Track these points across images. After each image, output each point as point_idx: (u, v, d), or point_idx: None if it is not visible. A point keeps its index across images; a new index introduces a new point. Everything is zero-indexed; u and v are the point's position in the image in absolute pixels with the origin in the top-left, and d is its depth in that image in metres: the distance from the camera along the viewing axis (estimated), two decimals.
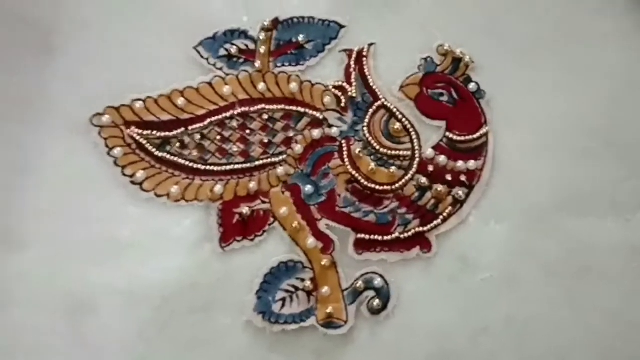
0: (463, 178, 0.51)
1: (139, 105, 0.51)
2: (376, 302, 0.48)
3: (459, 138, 0.52)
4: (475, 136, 0.52)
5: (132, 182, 0.50)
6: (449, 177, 0.51)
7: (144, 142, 0.51)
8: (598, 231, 0.50)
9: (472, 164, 0.51)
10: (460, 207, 0.51)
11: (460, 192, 0.51)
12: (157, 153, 0.51)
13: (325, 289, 0.48)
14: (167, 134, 0.51)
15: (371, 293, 0.49)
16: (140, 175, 0.50)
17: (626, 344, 0.49)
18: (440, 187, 0.50)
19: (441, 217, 0.50)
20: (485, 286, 0.49)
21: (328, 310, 0.48)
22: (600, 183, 0.51)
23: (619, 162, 0.52)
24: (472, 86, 0.53)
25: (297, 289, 0.49)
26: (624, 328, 0.49)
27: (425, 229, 0.50)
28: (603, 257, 0.50)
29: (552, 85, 0.53)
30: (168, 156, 0.51)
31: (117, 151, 0.50)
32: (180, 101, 0.51)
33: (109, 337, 0.48)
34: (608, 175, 0.52)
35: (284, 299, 0.49)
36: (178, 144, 0.51)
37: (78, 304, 0.48)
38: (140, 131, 0.51)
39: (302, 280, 0.49)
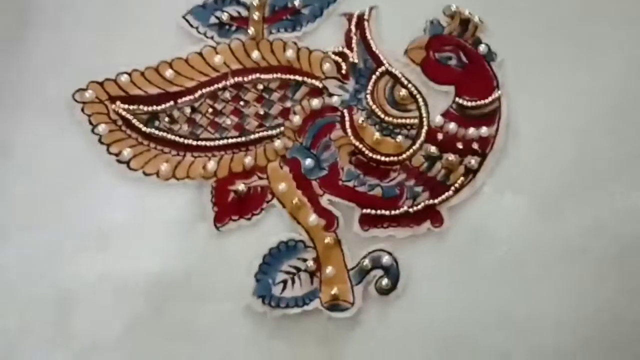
0: (475, 146, 0.48)
1: (124, 78, 0.48)
2: (385, 281, 0.45)
3: (469, 103, 0.48)
4: (486, 101, 0.49)
5: (119, 161, 0.47)
6: (460, 146, 0.48)
7: (131, 117, 0.48)
8: (624, 206, 0.47)
9: (484, 130, 0.48)
10: (473, 177, 0.47)
11: (472, 160, 0.47)
12: (144, 129, 0.48)
13: (329, 269, 0.45)
14: (155, 108, 0.48)
15: (379, 272, 0.46)
16: (126, 153, 0.47)
17: None
18: (451, 157, 0.47)
19: (453, 188, 0.47)
20: (502, 262, 0.46)
21: (333, 292, 0.45)
22: (624, 156, 0.48)
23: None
24: (482, 48, 0.50)
25: (298, 270, 0.46)
26: None
27: (436, 201, 0.47)
28: (632, 234, 0.46)
29: (568, 54, 0.50)
30: (157, 132, 0.48)
31: (102, 128, 0.48)
32: (169, 73, 0.48)
33: (100, 327, 0.45)
34: (632, 147, 0.48)
35: (285, 281, 0.46)
36: (167, 119, 0.48)
37: (66, 293, 0.45)
38: (126, 106, 0.48)
39: (304, 260, 0.46)
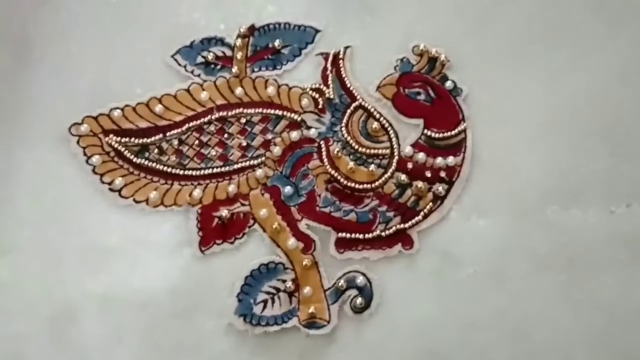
0: (443, 174, 0.51)
1: (117, 113, 0.52)
2: (359, 300, 0.48)
3: (437, 135, 0.52)
4: (453, 132, 0.52)
5: (111, 189, 0.50)
6: (428, 174, 0.51)
7: (122, 149, 0.51)
8: (582, 223, 0.50)
9: (451, 160, 0.51)
10: (440, 203, 0.50)
11: (440, 188, 0.50)
12: (135, 160, 0.51)
13: (307, 289, 0.48)
14: (145, 140, 0.51)
15: (354, 292, 0.48)
16: (118, 182, 0.50)
17: (617, 335, 0.48)
18: (420, 184, 0.50)
19: (422, 213, 0.50)
20: (471, 281, 0.49)
21: (310, 310, 0.47)
22: (582, 175, 0.51)
23: (601, 154, 0.52)
24: (448, 84, 0.53)
25: (278, 290, 0.48)
26: (615, 319, 0.48)
27: (407, 225, 0.50)
28: (589, 249, 0.49)
29: (532, 79, 0.54)
30: (146, 162, 0.51)
31: (96, 159, 0.51)
32: (158, 108, 0.52)
33: (91, 343, 0.48)
34: (589, 167, 0.51)
35: (265, 301, 0.48)
36: (156, 150, 0.51)
37: (59, 311, 0.48)
38: (118, 139, 0.51)
39: (284, 281, 0.49)
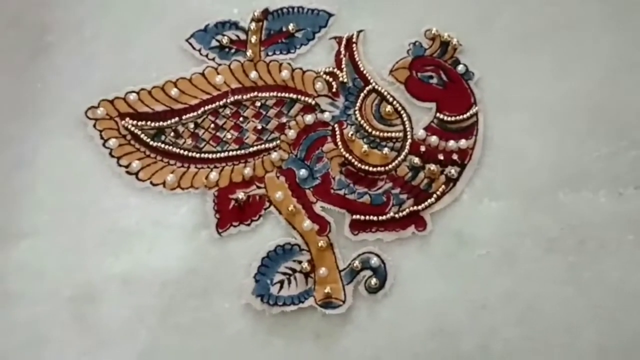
0: (455, 157, 0.52)
1: (132, 97, 0.52)
2: (373, 281, 0.49)
3: (449, 118, 0.52)
4: (465, 116, 0.52)
5: (128, 172, 0.51)
6: (441, 157, 0.52)
7: (139, 132, 0.51)
8: (592, 205, 0.51)
9: (463, 143, 0.52)
10: (453, 186, 0.51)
11: (452, 170, 0.51)
12: (151, 143, 0.51)
13: (322, 270, 0.49)
14: (161, 123, 0.52)
15: (368, 272, 0.49)
16: (135, 165, 0.51)
17: (626, 315, 0.49)
18: (432, 167, 0.51)
19: (435, 195, 0.51)
20: (482, 262, 0.50)
21: (326, 290, 0.48)
22: (591, 158, 0.52)
23: (610, 138, 0.52)
24: (460, 68, 0.54)
25: (294, 271, 0.49)
26: (624, 300, 0.49)
27: (420, 207, 0.51)
28: (598, 230, 0.50)
29: (543, 65, 0.54)
30: (163, 145, 0.51)
31: (112, 142, 0.51)
32: (174, 92, 0.52)
33: (112, 324, 0.49)
34: (599, 151, 0.52)
35: (282, 282, 0.49)
36: (172, 134, 0.52)
37: (79, 293, 0.49)
38: (134, 122, 0.52)
39: (300, 262, 0.49)
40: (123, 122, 0.51)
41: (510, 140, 0.52)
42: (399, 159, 0.51)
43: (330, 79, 0.53)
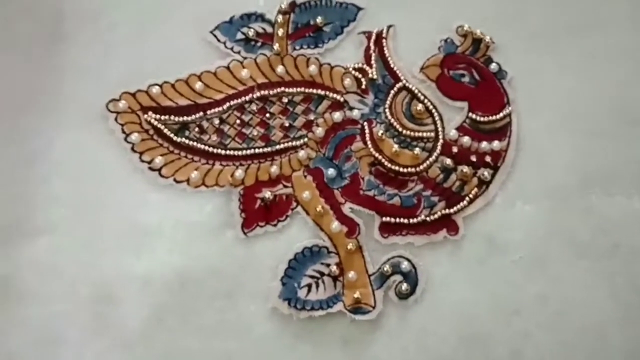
0: (488, 159, 0.50)
1: (155, 90, 0.50)
2: (404, 286, 0.47)
3: (482, 119, 0.51)
4: (498, 116, 0.51)
5: (151, 168, 0.49)
6: (473, 158, 0.50)
7: (162, 127, 0.50)
8: (625, 209, 0.50)
9: (496, 144, 0.50)
10: (486, 188, 0.50)
11: (485, 172, 0.50)
12: (175, 138, 0.49)
13: (351, 274, 0.47)
14: (185, 118, 0.50)
15: (398, 277, 0.48)
16: (158, 161, 0.49)
17: None
18: (465, 168, 0.50)
19: (467, 198, 0.49)
20: (515, 268, 0.48)
21: (356, 295, 0.47)
22: (625, 161, 0.51)
23: None
24: (493, 66, 0.52)
25: (322, 274, 0.48)
26: None
27: (452, 210, 0.49)
28: (632, 234, 0.49)
29: (574, 65, 0.53)
30: (187, 141, 0.49)
31: (135, 137, 0.49)
32: (198, 85, 0.50)
33: (131, 324, 0.47)
34: (632, 153, 0.51)
35: (309, 285, 0.47)
36: (197, 129, 0.50)
37: (98, 292, 0.47)
38: (157, 116, 0.50)
39: (328, 265, 0.48)
40: (146, 116, 0.50)
41: (542, 142, 0.51)
42: (430, 159, 0.50)
43: (360, 75, 0.52)
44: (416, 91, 0.51)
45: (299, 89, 0.51)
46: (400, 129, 0.51)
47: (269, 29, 0.53)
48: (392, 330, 0.47)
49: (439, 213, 0.49)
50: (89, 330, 0.47)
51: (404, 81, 0.51)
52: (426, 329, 0.47)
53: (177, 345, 0.47)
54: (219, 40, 0.52)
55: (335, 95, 0.51)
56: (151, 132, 0.50)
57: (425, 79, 0.52)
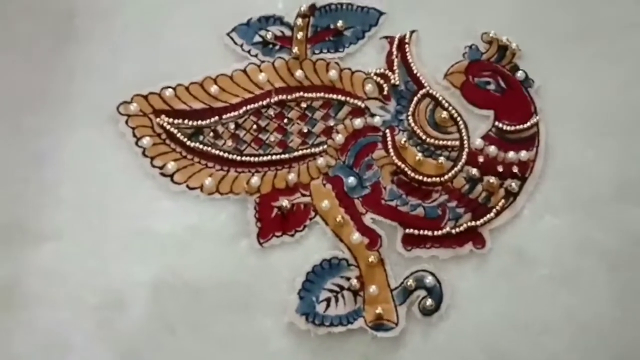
0: (515, 169, 0.48)
1: (168, 93, 0.48)
2: (428, 302, 0.45)
3: (508, 128, 0.49)
4: (525, 126, 0.49)
5: (162, 174, 0.47)
6: (500, 169, 0.48)
7: (175, 131, 0.47)
8: None
9: (523, 154, 0.48)
10: (513, 200, 0.47)
11: (513, 183, 0.48)
12: (188, 143, 0.47)
13: (372, 288, 0.45)
14: (199, 123, 0.48)
15: (422, 292, 0.45)
16: (171, 166, 0.47)
17: None
18: (491, 179, 0.47)
19: (494, 210, 0.47)
20: (544, 283, 0.46)
21: (377, 311, 0.44)
22: None
23: None
24: (519, 74, 0.50)
25: (342, 288, 0.45)
26: None
27: (478, 223, 0.47)
28: None
29: (603, 72, 0.51)
30: (201, 146, 0.47)
31: (146, 141, 0.47)
32: (214, 89, 0.48)
33: (140, 333, 0.44)
34: None
35: (328, 299, 0.45)
36: (211, 134, 0.48)
37: (106, 300, 0.45)
38: (170, 120, 0.48)
39: (348, 278, 0.45)
40: (158, 119, 0.48)
41: (571, 152, 0.49)
42: (456, 169, 0.48)
43: (381, 81, 0.50)
44: (440, 98, 0.49)
45: (318, 94, 0.49)
46: (423, 137, 0.48)
47: (288, 32, 0.51)
48: (416, 349, 0.45)
49: (464, 225, 0.47)
50: (96, 339, 0.45)
51: (428, 88, 0.50)
52: (451, 347, 0.45)
53: (187, 357, 0.44)
54: (235, 43, 0.50)
55: (356, 101, 0.49)
56: (163, 136, 0.48)
57: (449, 85, 0.50)
